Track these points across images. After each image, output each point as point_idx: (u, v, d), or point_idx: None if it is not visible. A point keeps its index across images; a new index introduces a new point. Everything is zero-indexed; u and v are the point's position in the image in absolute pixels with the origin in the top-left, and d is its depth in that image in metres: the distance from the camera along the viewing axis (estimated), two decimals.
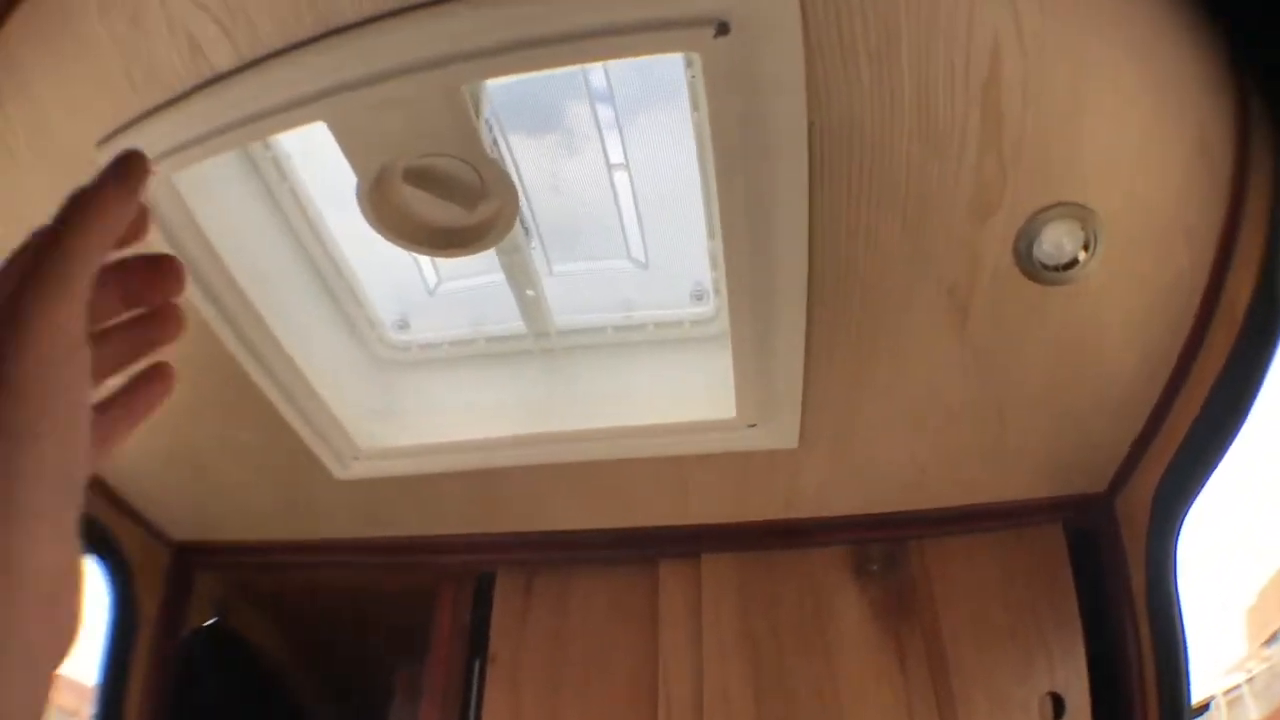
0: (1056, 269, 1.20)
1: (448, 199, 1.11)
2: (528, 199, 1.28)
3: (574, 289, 1.41)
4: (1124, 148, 1.07)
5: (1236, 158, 1.05)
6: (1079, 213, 1.13)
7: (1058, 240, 1.18)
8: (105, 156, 1.05)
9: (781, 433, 1.41)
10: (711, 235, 1.30)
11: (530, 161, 1.24)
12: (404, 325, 1.47)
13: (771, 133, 1.02)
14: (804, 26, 0.93)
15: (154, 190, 1.12)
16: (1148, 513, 1.42)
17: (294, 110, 1.04)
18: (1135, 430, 1.41)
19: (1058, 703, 1.48)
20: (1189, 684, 1.42)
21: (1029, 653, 1.53)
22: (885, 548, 1.63)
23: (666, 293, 1.42)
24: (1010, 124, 1.04)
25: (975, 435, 1.44)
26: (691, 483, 1.53)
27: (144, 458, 1.62)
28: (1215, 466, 1.33)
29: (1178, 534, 1.42)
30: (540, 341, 1.43)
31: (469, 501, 1.61)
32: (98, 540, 1.72)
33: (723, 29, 0.93)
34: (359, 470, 1.46)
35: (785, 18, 0.92)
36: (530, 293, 1.34)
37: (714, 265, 1.34)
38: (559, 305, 1.42)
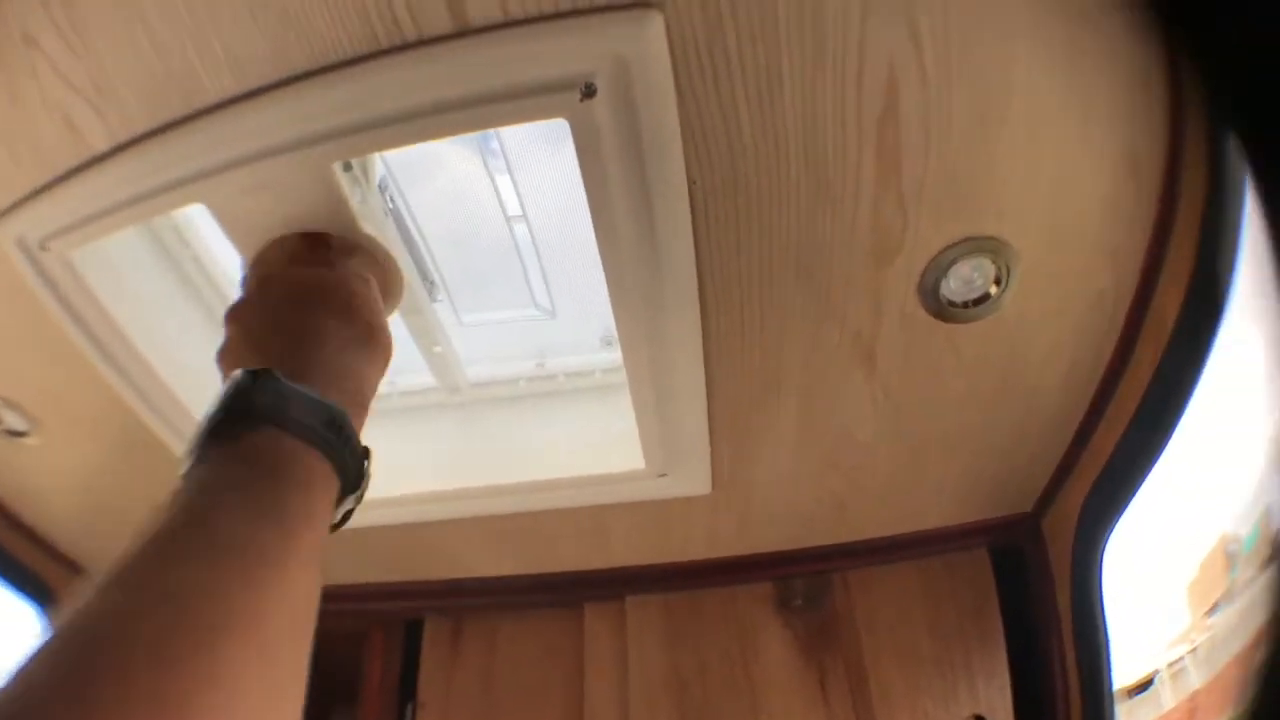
0: (966, 305, 1.13)
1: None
2: (430, 254, 1.27)
3: (484, 338, 1.40)
4: (1041, 174, 0.99)
5: (1167, 169, 0.98)
6: (990, 245, 1.06)
7: (966, 277, 1.11)
8: (2, 233, 1.09)
9: (693, 480, 1.37)
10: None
11: (430, 216, 1.23)
12: None
13: (652, 191, 0.97)
14: (676, 82, 0.88)
15: (51, 269, 1.14)
16: (1073, 530, 1.38)
17: (171, 192, 1.02)
18: (1060, 451, 1.36)
19: None
20: (1112, 695, 1.35)
21: (953, 676, 1.51)
22: (808, 582, 1.60)
23: (575, 339, 1.40)
24: (910, 160, 0.96)
25: (892, 469, 1.40)
26: (612, 529, 1.52)
27: (79, 516, 1.60)
28: (1142, 481, 1.27)
29: (1104, 548, 1.40)
30: (453, 396, 1.34)
31: (394, 551, 1.58)
32: (34, 587, 1.68)
33: (589, 91, 0.83)
34: None
35: (657, 74, 0.87)
36: (438, 349, 1.29)
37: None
38: (471, 354, 1.40)
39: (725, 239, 1.02)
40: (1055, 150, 0.96)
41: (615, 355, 1.34)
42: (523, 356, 1.41)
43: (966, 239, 1.03)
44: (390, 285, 1.04)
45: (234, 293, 1.26)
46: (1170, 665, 1.35)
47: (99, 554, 1.67)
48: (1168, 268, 1.04)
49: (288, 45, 0.88)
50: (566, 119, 0.89)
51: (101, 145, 0.99)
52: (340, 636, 1.69)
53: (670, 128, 0.90)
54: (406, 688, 1.64)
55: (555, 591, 1.61)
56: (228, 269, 1.29)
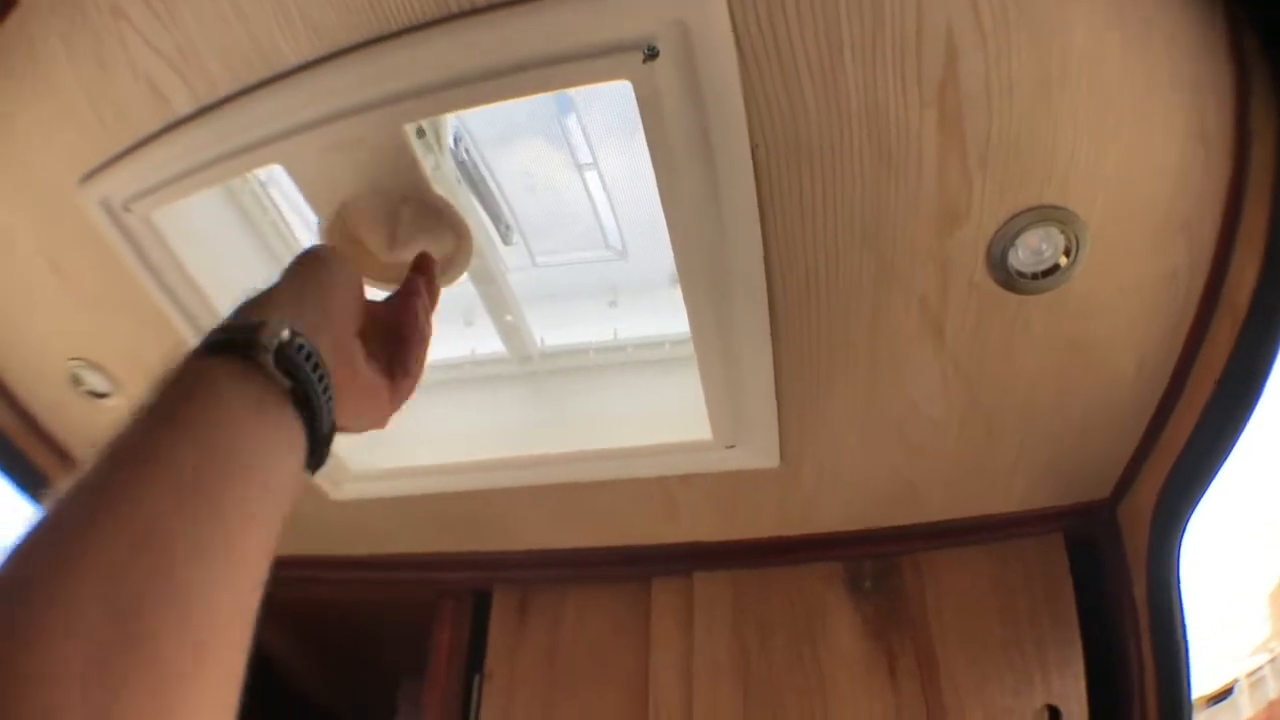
0: (1035, 277, 1.14)
1: (407, 236, 1.07)
2: (507, 201, 1.33)
3: (558, 279, 1.44)
4: (1107, 143, 1.00)
5: (1236, 140, 0.99)
6: (1058, 215, 1.07)
7: (1035, 247, 1.12)
8: (87, 195, 1.17)
9: (761, 452, 1.42)
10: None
11: (505, 167, 1.30)
12: None
13: (716, 154, 1.01)
14: (738, 46, 0.92)
15: (134, 230, 1.21)
16: (1149, 519, 1.39)
17: (251, 153, 1.08)
18: (1137, 435, 1.36)
19: (1054, 715, 1.46)
20: (1190, 693, 1.35)
21: (1025, 665, 1.51)
22: (878, 563, 1.63)
23: (645, 277, 1.45)
24: (972, 125, 0.99)
25: (963, 448, 1.41)
26: (680, 502, 1.56)
27: None
28: (1220, 467, 1.26)
29: (1181, 539, 1.40)
30: (524, 366, 1.40)
31: (464, 521, 1.65)
32: None
33: (651, 53, 0.88)
34: (351, 491, 1.50)
35: (718, 38, 0.91)
36: (509, 318, 1.34)
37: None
38: (544, 294, 1.45)
39: (789, 204, 1.06)
40: (1119, 118, 0.97)
41: (683, 327, 1.41)
42: (595, 294, 1.45)
43: (1033, 208, 1.05)
44: (461, 249, 1.11)
45: None
46: (1249, 674, 1.34)
47: None
48: (1241, 243, 1.05)
49: (362, 10, 0.94)
50: (629, 80, 0.94)
51: (185, 108, 1.06)
52: (410, 607, 1.78)
53: (732, 92, 0.94)
54: (474, 658, 1.71)
55: (623, 565, 1.66)
56: (305, 232, 1.35)
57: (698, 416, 1.37)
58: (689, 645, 1.59)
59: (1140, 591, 1.40)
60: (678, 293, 1.38)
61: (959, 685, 1.50)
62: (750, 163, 1.01)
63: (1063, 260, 1.11)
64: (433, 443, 1.47)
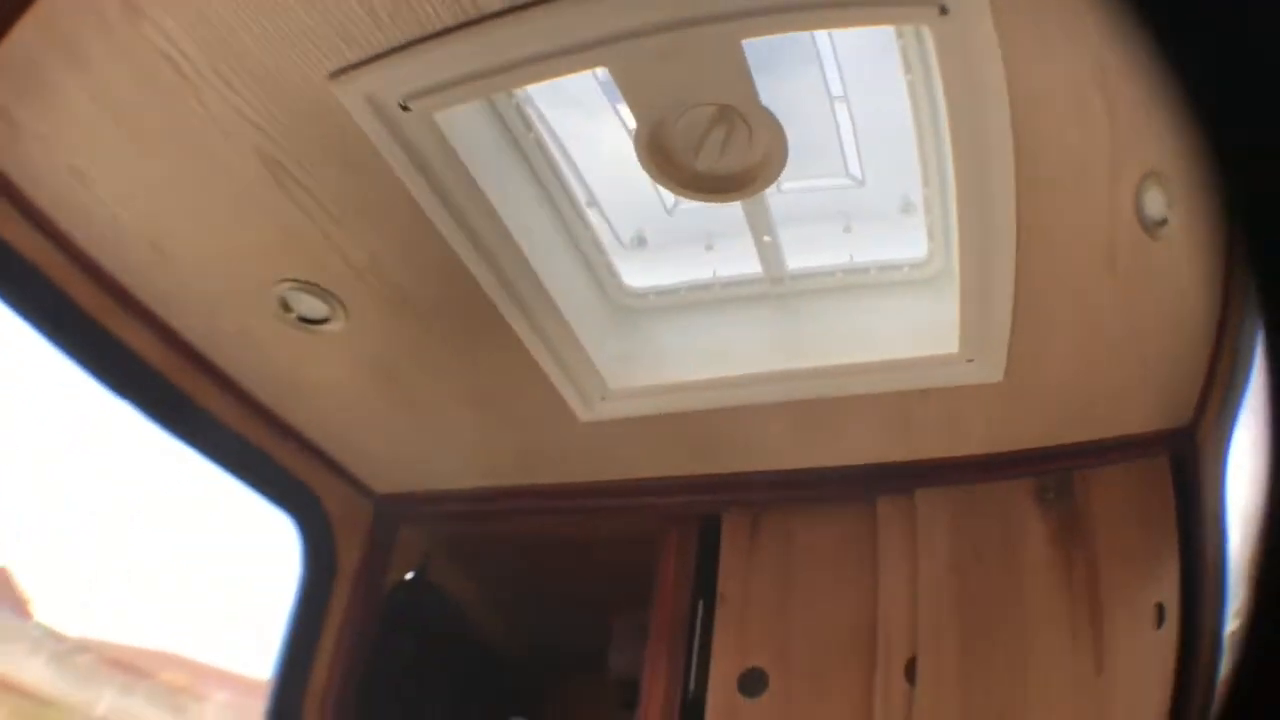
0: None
1: (721, 147, 1.18)
2: None
3: (796, 204, 1.51)
4: None
5: None
6: None
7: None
8: (341, 91, 1.16)
9: (991, 367, 1.53)
10: (926, 182, 1.44)
11: (763, 95, 1.34)
12: (642, 242, 1.58)
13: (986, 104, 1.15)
14: None
15: (409, 130, 1.21)
16: (1212, 443, 1.50)
17: (576, 54, 1.14)
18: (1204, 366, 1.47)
19: (1160, 611, 1.55)
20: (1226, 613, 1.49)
21: (1148, 569, 1.60)
22: (1059, 478, 1.72)
23: (877, 206, 1.54)
24: None
25: (1119, 371, 1.54)
26: (912, 418, 1.65)
27: (357, 411, 1.71)
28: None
29: (1226, 464, 1.49)
30: (774, 286, 1.51)
31: (704, 442, 1.73)
32: (295, 496, 1.79)
33: (943, 9, 1.05)
34: (605, 411, 1.60)
35: None
36: (767, 239, 1.43)
37: (928, 211, 1.47)
38: (783, 218, 1.52)
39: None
40: None
41: (919, 241, 1.52)
42: (831, 219, 1.55)
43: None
44: (774, 159, 1.23)
45: (575, 183, 1.44)
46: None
47: (369, 458, 1.83)
48: None
49: None
50: (927, 27, 1.09)
51: (495, 4, 1.07)
52: (627, 542, 1.86)
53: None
54: (699, 584, 1.78)
55: (850, 485, 1.74)
56: (571, 157, 1.43)
57: (933, 336, 1.49)
58: (913, 562, 1.69)
59: (1209, 511, 1.54)
60: (908, 220, 1.52)
61: (1112, 588, 1.61)
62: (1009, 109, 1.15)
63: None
64: (685, 361, 1.56)
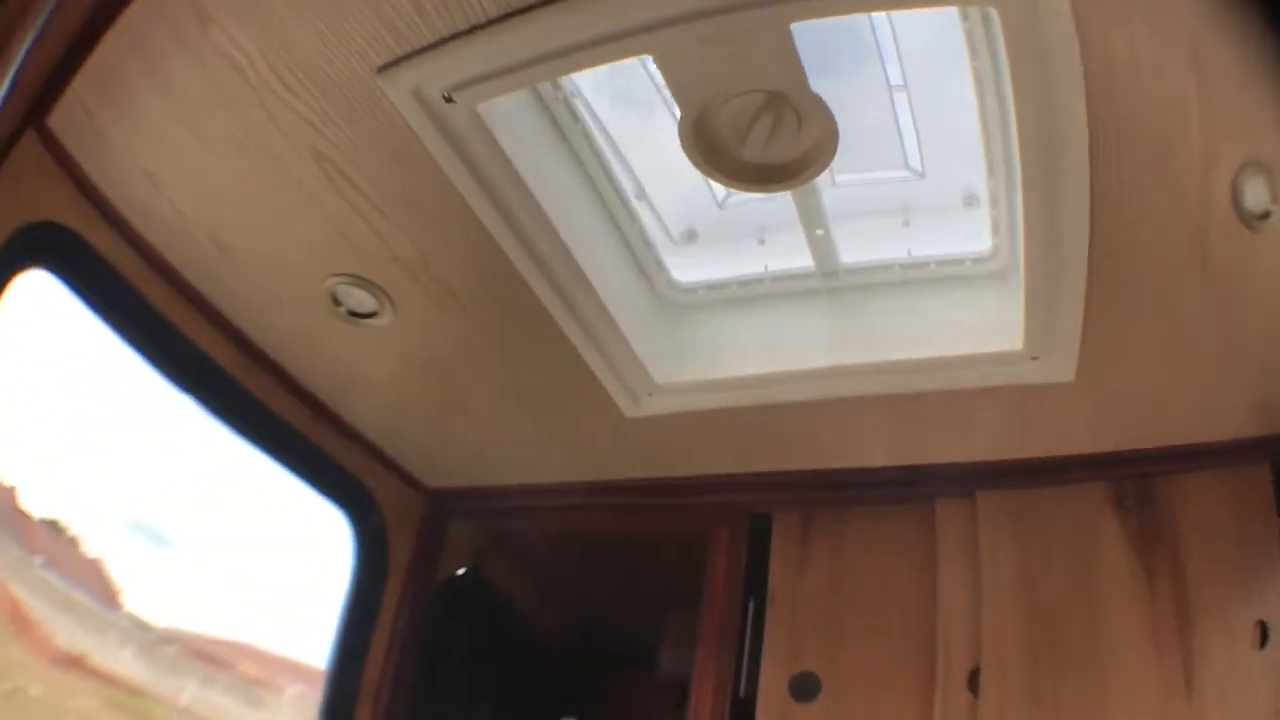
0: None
1: (768, 135, 1.15)
2: None
3: (853, 198, 1.48)
4: None
5: None
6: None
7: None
8: (388, 84, 1.17)
9: (1060, 366, 1.48)
10: (991, 172, 1.39)
11: (815, 86, 1.29)
12: (692, 236, 1.55)
13: (1058, 89, 1.11)
14: None
15: (453, 121, 1.22)
16: None
17: (619, 41, 1.11)
18: None
19: (1264, 630, 1.52)
20: None
21: (1247, 582, 1.58)
22: (1139, 484, 1.67)
23: (939, 199, 1.49)
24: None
25: (1211, 374, 1.50)
26: (973, 418, 1.61)
27: (407, 406, 1.73)
28: None
29: None
30: (827, 281, 1.48)
31: (747, 440, 1.71)
32: (348, 491, 1.81)
33: None
34: (651, 407, 1.58)
35: None
36: (819, 232, 1.40)
37: (993, 203, 1.44)
38: (837, 213, 1.48)
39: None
40: None
41: (982, 235, 1.46)
42: (888, 213, 1.49)
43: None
44: (826, 147, 1.18)
45: (624, 176, 1.41)
46: None
47: (420, 453, 1.84)
48: None
49: None
50: (995, 8, 1.04)
51: None
52: (677, 540, 1.85)
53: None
54: (750, 584, 1.75)
55: (906, 486, 1.70)
56: (620, 149, 1.41)
57: (997, 333, 1.44)
58: (975, 567, 1.64)
59: None
60: (972, 213, 1.46)
61: (1203, 601, 1.55)
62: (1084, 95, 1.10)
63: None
64: (734, 357, 1.53)
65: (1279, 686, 1.46)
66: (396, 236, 1.38)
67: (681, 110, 1.18)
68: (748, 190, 1.31)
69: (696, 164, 1.23)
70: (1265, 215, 1.21)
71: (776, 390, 1.52)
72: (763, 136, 1.16)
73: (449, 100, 1.17)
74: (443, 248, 1.39)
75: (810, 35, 1.26)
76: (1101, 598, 1.61)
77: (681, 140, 1.21)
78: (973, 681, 1.59)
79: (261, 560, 1.83)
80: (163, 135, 1.28)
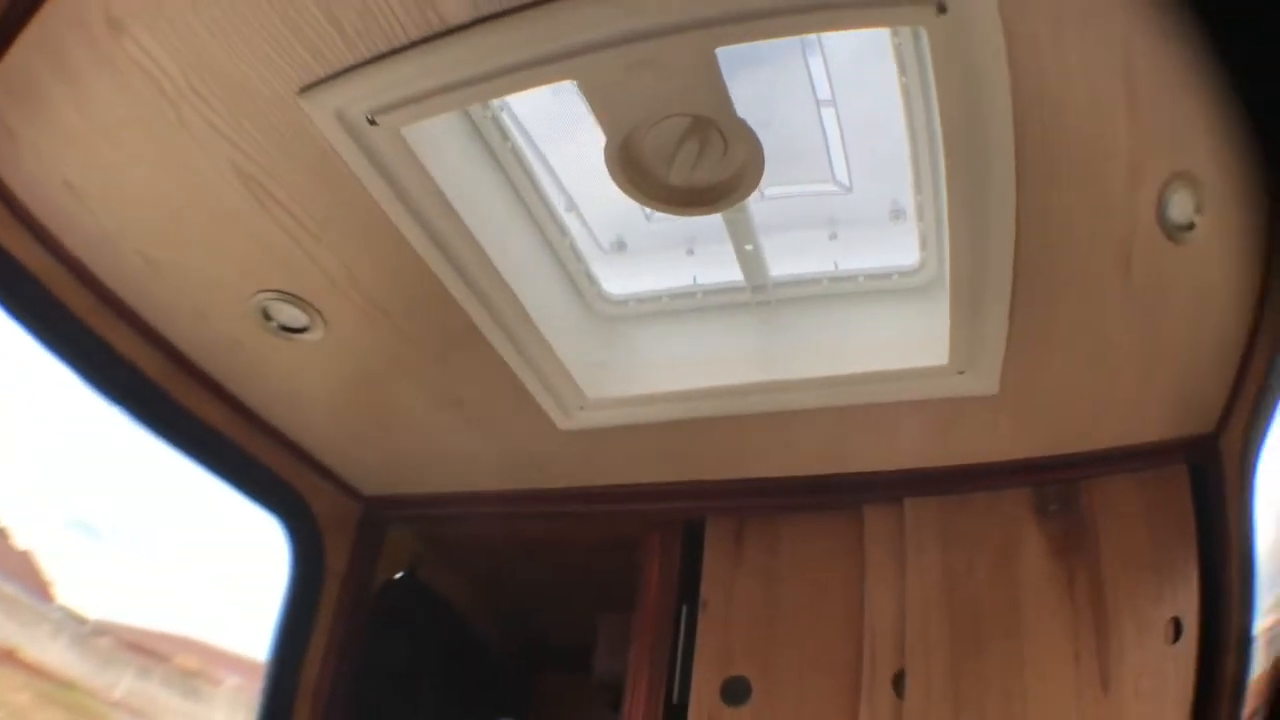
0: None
1: (694, 159, 1.16)
2: None
3: (780, 211, 1.50)
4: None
5: None
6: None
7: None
8: (311, 106, 1.17)
9: (985, 380, 1.51)
10: (918, 187, 1.41)
11: (743, 99, 1.30)
12: (621, 246, 1.55)
13: (985, 105, 1.12)
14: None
15: (377, 144, 1.22)
16: (1239, 452, 1.50)
17: (541, 67, 1.11)
18: (1232, 373, 1.48)
19: (1177, 625, 1.57)
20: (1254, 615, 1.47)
21: (1162, 582, 1.62)
22: (1061, 489, 1.72)
23: (865, 212, 1.52)
24: None
25: (1131, 381, 1.53)
26: (900, 428, 1.64)
27: (342, 417, 1.74)
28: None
29: (1255, 470, 1.49)
30: (757, 294, 1.49)
31: (679, 449, 1.73)
32: (282, 498, 1.82)
33: (941, 8, 1.01)
34: (583, 420, 1.59)
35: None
36: (749, 247, 1.41)
37: (919, 217, 1.47)
38: (765, 226, 1.50)
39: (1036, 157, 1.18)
40: None
41: (910, 249, 1.49)
42: (816, 226, 1.51)
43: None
44: (751, 170, 1.20)
45: (553, 190, 1.42)
46: (1267, 629, 1.48)
47: (355, 462, 1.85)
48: None
49: None
50: (924, 28, 1.05)
51: (460, 17, 1.06)
52: (610, 544, 1.86)
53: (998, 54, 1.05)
54: (684, 589, 1.77)
55: (836, 493, 1.74)
56: (549, 163, 1.42)
57: (923, 346, 1.46)
58: (901, 570, 1.68)
59: (1233, 516, 1.52)
60: (899, 227, 1.49)
61: (1119, 601, 1.60)
62: (1011, 113, 1.12)
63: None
64: (665, 371, 1.55)
65: (1190, 679, 1.49)
66: (324, 254, 1.39)
67: (607, 135, 1.18)
68: (675, 213, 1.32)
69: (623, 188, 1.24)
70: (1189, 227, 1.24)
71: (707, 404, 1.54)
72: (689, 161, 1.17)
73: (372, 123, 1.17)
74: (371, 265, 1.40)
75: (737, 50, 1.30)
76: (1023, 601, 1.65)
77: (607, 164, 1.21)
78: (898, 684, 1.63)
79: (198, 551, 1.86)
80: (81, 145, 1.27)
